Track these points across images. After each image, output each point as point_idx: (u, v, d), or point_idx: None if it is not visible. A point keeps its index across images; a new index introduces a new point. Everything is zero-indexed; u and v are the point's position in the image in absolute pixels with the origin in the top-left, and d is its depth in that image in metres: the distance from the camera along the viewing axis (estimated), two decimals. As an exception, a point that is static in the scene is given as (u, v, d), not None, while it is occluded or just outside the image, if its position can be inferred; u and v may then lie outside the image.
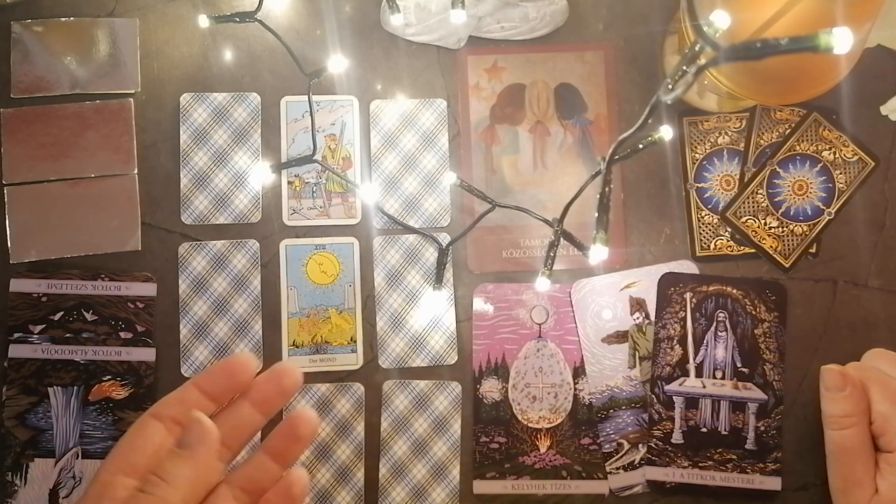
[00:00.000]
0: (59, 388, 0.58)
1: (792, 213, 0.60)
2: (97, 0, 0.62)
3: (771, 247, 0.60)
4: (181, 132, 0.61)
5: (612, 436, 0.59)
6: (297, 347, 0.59)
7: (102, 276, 0.59)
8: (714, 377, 0.59)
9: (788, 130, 0.61)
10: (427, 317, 0.60)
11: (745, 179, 0.61)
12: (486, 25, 0.61)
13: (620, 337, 0.60)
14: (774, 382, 0.58)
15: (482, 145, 0.61)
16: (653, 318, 0.59)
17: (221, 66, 0.62)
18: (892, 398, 0.52)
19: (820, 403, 0.56)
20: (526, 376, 0.59)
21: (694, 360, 0.59)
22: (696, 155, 0.61)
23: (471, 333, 0.60)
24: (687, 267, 0.60)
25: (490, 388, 0.59)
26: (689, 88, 0.39)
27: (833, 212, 0.60)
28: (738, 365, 0.59)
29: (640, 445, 0.58)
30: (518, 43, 0.62)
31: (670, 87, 0.39)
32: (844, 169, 0.61)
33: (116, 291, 0.59)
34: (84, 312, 0.58)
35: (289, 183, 0.61)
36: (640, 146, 0.46)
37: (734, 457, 0.58)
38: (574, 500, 0.58)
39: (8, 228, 0.59)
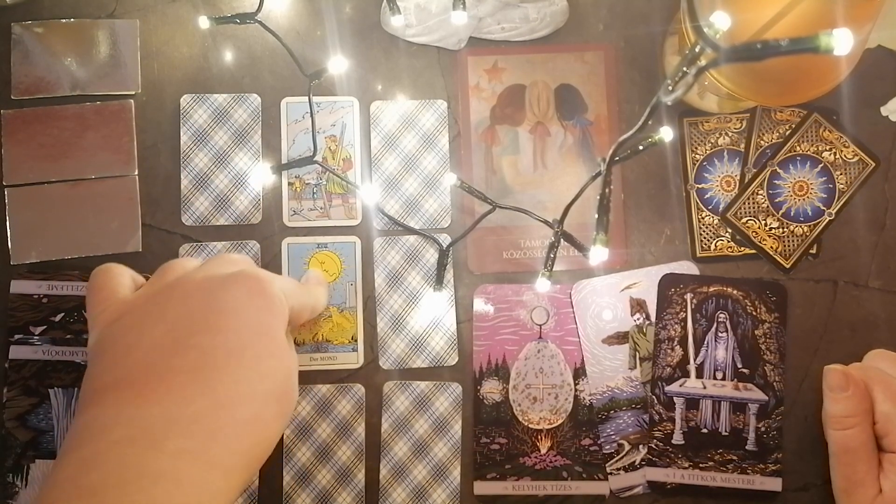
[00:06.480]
0: (60, 389, 0.58)
1: (792, 213, 0.60)
2: (97, 1, 0.62)
3: (771, 247, 0.60)
4: (181, 133, 0.61)
5: (613, 437, 0.59)
6: (298, 345, 0.59)
7: (103, 277, 0.59)
8: (714, 378, 0.59)
9: (789, 131, 0.61)
10: (427, 318, 0.60)
11: (746, 180, 0.61)
12: (487, 26, 0.61)
13: (621, 338, 0.60)
14: (775, 383, 0.58)
15: (482, 146, 0.61)
16: (653, 318, 0.59)
17: (222, 67, 0.62)
18: (895, 398, 0.52)
19: (821, 404, 0.56)
20: (526, 377, 0.59)
21: (694, 360, 0.59)
22: (697, 156, 0.61)
23: (471, 334, 0.60)
24: (687, 268, 0.60)
25: (490, 389, 0.59)
26: (689, 89, 0.39)
27: (833, 212, 0.60)
28: (739, 366, 0.59)
29: (641, 446, 0.58)
30: (518, 43, 0.62)
31: (670, 87, 0.39)
32: (845, 169, 0.60)
33: (117, 292, 0.59)
34: (85, 314, 0.58)
35: (289, 184, 0.61)
36: (641, 147, 0.46)
37: (735, 458, 0.58)
38: (575, 501, 0.58)
39: (8, 230, 0.59)
